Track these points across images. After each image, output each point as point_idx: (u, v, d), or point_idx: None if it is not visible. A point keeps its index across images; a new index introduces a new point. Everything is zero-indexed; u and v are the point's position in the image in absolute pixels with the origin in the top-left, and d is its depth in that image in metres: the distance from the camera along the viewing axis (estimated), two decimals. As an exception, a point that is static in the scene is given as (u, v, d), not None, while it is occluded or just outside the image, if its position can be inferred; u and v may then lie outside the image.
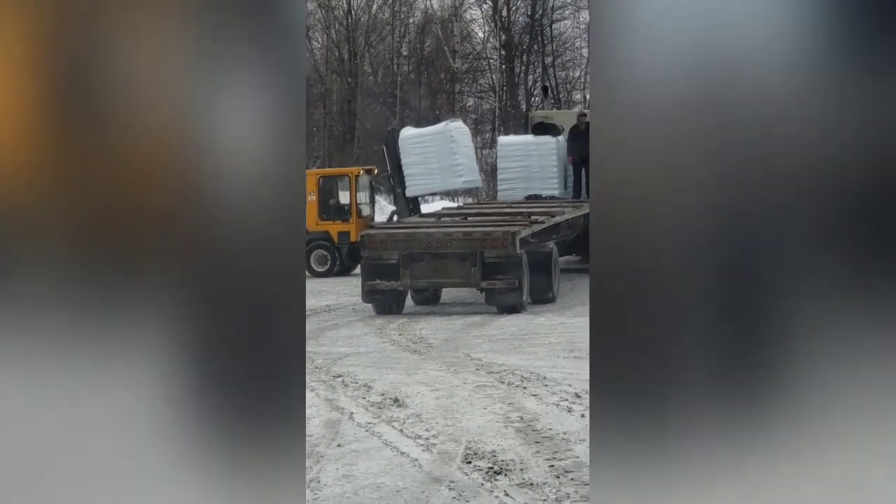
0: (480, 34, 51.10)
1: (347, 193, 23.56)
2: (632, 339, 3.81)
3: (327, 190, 23.74)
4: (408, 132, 22.49)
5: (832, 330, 3.71)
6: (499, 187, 22.04)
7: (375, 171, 24.94)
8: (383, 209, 26.98)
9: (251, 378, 3.88)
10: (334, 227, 23.09)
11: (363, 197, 23.98)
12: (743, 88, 3.75)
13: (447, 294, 17.73)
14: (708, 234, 3.78)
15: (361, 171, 24.38)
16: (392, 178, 22.95)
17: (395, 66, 50.05)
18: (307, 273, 22.60)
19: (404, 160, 21.79)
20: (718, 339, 3.78)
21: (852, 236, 3.71)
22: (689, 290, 3.78)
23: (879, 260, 3.70)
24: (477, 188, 21.53)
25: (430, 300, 17.32)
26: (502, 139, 22.92)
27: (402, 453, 7.76)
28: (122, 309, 3.82)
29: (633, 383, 3.80)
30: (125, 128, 3.84)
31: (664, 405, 3.78)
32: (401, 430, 8.51)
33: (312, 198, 23.44)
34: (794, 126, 3.72)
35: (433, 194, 21.47)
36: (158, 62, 3.85)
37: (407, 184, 21.80)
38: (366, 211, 23.68)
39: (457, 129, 21.76)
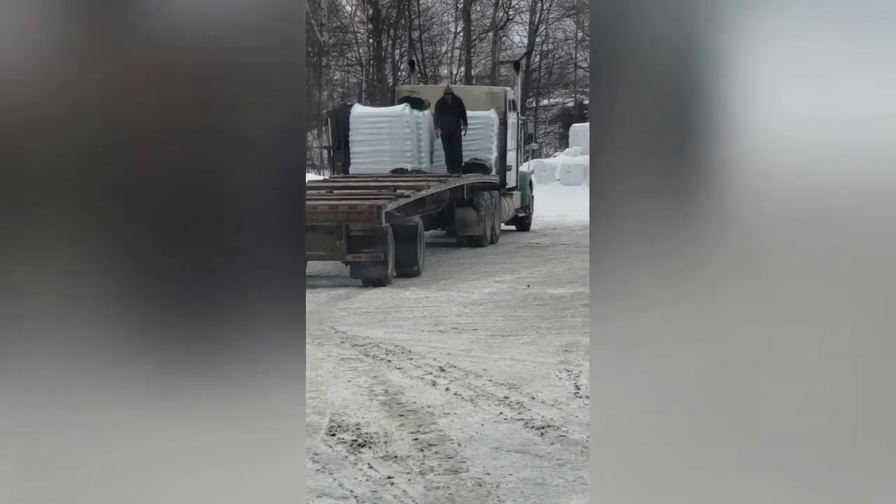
0: (348, 7, 50.83)
1: None
2: (631, 296, 3.77)
3: None
4: (360, 110, 22.13)
5: None
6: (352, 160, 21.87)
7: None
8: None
9: (251, 348, 3.78)
10: None
11: None
12: None
13: (312, 267, 17.60)
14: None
15: None
16: (332, 153, 22.58)
17: (262, 38, 49.46)
18: None
19: (353, 137, 21.42)
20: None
21: None
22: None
23: None
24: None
25: (294, 273, 17.15)
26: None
27: (265, 426, 7.65)
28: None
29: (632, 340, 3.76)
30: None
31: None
32: (264, 403, 8.40)
33: None
34: None
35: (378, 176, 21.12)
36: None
37: (352, 161, 21.50)
38: None
39: (413, 114, 21.51)
